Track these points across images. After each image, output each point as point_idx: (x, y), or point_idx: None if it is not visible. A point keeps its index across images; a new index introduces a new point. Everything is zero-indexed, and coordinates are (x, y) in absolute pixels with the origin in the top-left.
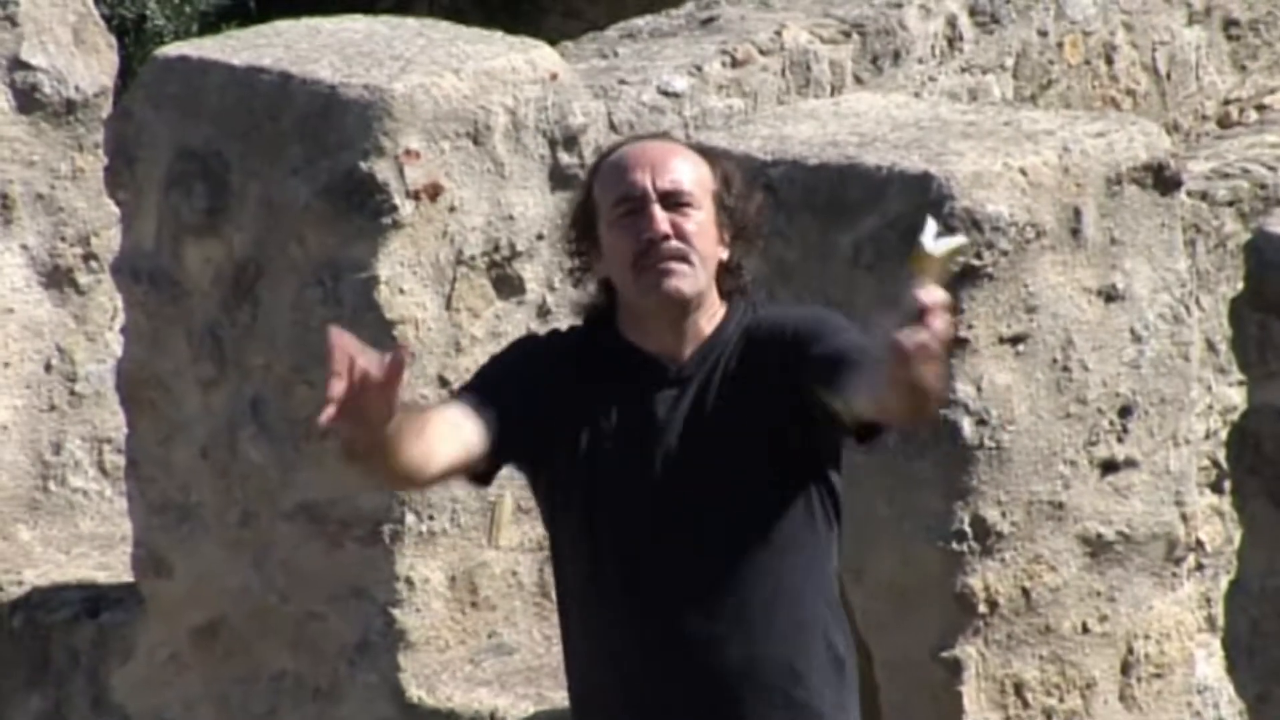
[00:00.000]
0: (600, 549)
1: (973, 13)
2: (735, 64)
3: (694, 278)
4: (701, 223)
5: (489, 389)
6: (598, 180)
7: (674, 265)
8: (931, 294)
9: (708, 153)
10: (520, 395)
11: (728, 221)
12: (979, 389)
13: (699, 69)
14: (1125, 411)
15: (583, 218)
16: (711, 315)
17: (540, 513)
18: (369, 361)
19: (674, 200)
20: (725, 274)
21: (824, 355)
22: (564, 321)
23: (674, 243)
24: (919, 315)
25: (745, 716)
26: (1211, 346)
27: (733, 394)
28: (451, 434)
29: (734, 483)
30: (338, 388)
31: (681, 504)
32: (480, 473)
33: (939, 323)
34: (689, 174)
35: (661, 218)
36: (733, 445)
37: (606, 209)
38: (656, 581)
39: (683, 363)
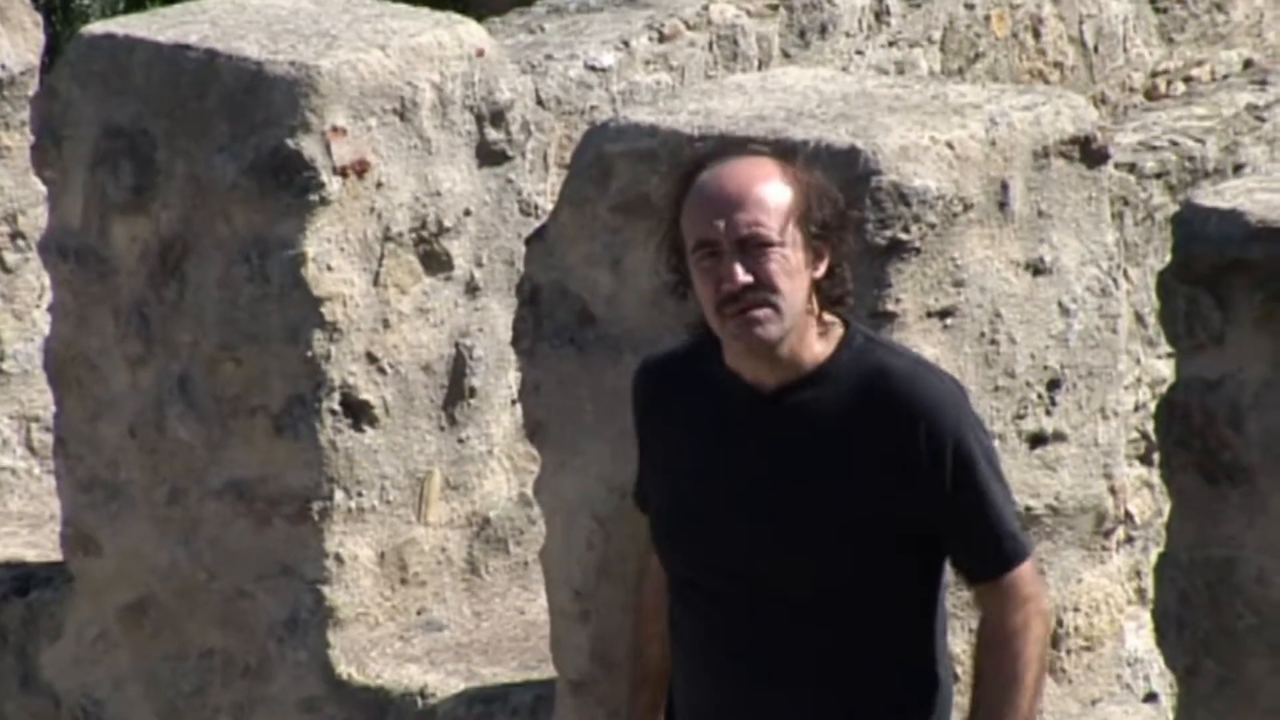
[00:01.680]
0: (681, 572)
1: None
2: (662, 39)
3: (778, 322)
4: (784, 259)
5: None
6: (684, 209)
7: (756, 313)
8: None
9: (790, 168)
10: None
11: (817, 240)
12: None
13: (626, 44)
14: (1053, 385)
15: (672, 241)
16: (810, 338)
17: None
18: None
19: (753, 243)
20: (824, 283)
21: (958, 540)
22: (496, 299)
23: (754, 293)
24: None
25: None
26: (1140, 319)
27: (841, 440)
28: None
29: (821, 521)
30: None
31: (762, 535)
32: None
33: None
34: (768, 210)
35: (740, 269)
36: (827, 485)
37: (690, 249)
38: (729, 613)
39: (775, 390)
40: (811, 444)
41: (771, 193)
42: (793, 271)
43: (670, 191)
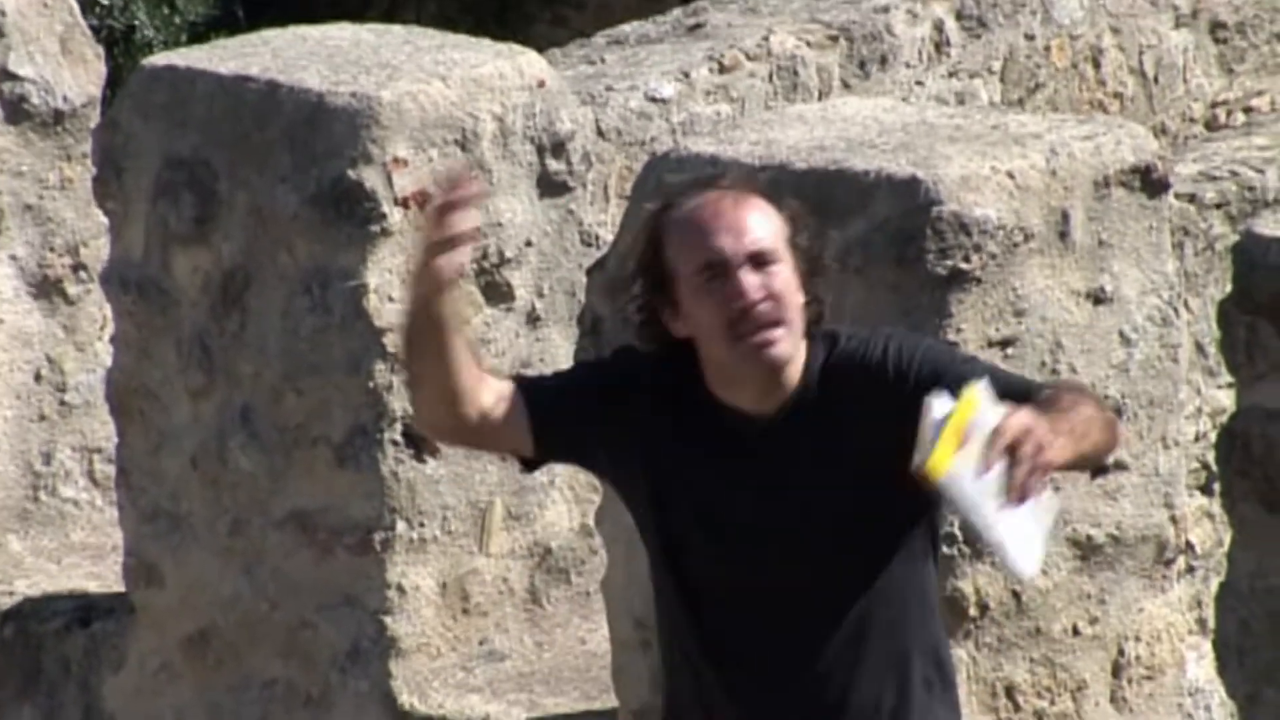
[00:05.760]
0: (690, 593)
1: (960, 17)
2: (722, 70)
3: (789, 340)
4: (786, 278)
5: (563, 387)
6: (670, 240)
7: (771, 333)
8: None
9: (770, 197)
10: (589, 405)
11: (802, 263)
12: None
13: (686, 75)
14: (1115, 413)
15: (651, 276)
16: (798, 360)
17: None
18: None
19: (759, 261)
20: (804, 311)
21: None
22: (557, 329)
23: (766, 306)
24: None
25: None
26: (1200, 349)
27: (830, 441)
28: (498, 391)
29: (829, 530)
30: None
31: (776, 553)
32: (525, 452)
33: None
34: (767, 229)
35: (752, 283)
36: (827, 493)
37: (689, 274)
38: (747, 628)
39: (771, 417)
40: (815, 458)
41: (766, 214)
42: (793, 291)
43: (643, 233)
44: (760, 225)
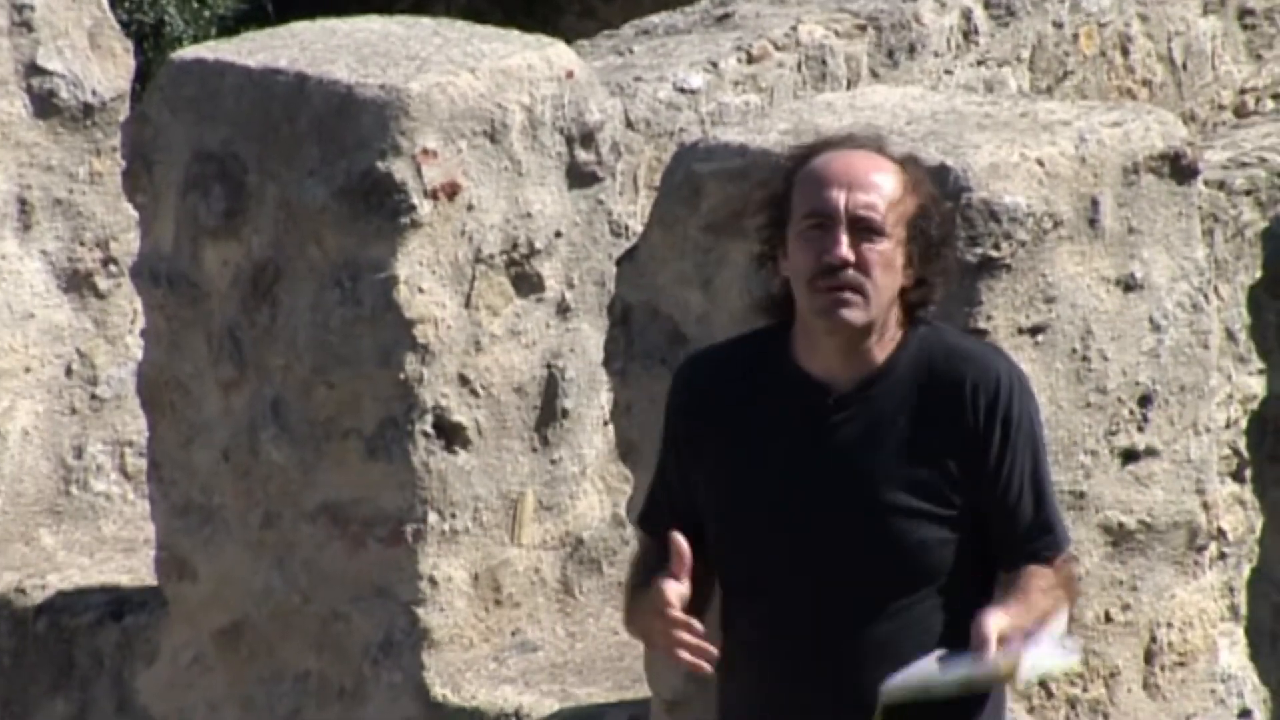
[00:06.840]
0: (745, 573)
1: (988, 5)
2: (751, 60)
3: (866, 309)
4: (885, 251)
5: (670, 500)
6: (798, 182)
7: (848, 295)
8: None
9: (911, 174)
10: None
11: (918, 246)
12: None
13: (715, 65)
14: (1145, 400)
15: (774, 211)
16: (888, 339)
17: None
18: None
19: (863, 225)
20: (910, 292)
21: (1001, 519)
22: (588, 320)
23: (852, 272)
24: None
25: None
26: (1231, 335)
27: (901, 430)
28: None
29: (881, 517)
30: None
31: (825, 534)
32: None
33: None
34: (885, 198)
35: (845, 243)
36: (887, 479)
37: (798, 217)
38: (792, 607)
39: (846, 390)
40: (882, 439)
41: (891, 186)
42: (890, 267)
43: (788, 161)
44: (879, 193)
